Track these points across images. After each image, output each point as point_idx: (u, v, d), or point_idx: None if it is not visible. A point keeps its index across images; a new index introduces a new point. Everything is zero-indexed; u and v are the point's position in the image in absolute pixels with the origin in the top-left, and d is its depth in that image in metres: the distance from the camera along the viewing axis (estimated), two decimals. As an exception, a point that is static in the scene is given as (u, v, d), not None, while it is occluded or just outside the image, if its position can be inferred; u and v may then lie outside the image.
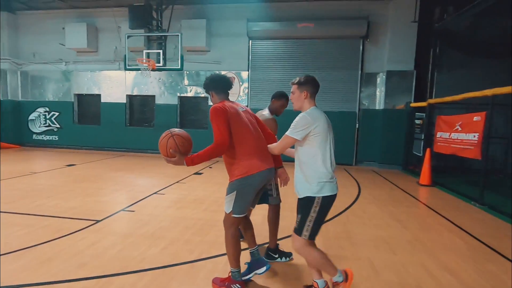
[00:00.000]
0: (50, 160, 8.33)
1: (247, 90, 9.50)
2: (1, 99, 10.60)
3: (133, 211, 4.11)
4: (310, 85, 2.08)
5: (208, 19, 9.26)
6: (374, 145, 8.89)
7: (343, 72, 8.88)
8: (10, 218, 3.65)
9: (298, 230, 1.99)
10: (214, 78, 2.29)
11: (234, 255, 2.23)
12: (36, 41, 10.68)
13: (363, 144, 9.05)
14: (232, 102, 2.26)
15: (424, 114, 7.51)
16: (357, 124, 9.00)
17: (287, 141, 2.03)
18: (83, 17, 10.17)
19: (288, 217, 3.93)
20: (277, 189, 2.81)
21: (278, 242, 2.88)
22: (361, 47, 8.77)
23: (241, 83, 9.52)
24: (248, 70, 9.42)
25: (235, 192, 2.09)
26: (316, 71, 8.96)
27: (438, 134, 6.45)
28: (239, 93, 9.56)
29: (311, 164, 1.97)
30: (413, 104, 8.13)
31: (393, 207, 4.70)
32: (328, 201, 1.96)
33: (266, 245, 2.90)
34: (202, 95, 9.83)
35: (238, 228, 2.25)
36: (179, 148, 2.05)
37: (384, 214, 4.32)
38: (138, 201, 4.55)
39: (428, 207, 4.86)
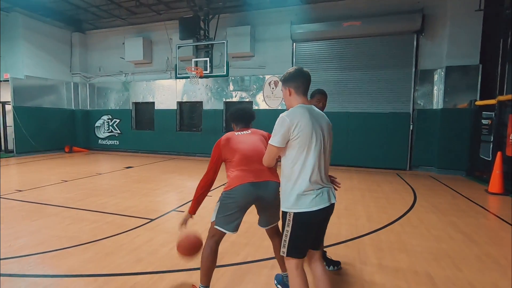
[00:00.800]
0: (112, 163, 9.23)
1: (291, 93, 9.42)
2: (74, 108, 12.12)
3: (183, 211, 4.33)
4: (293, 80, 1.83)
5: (252, 25, 9.45)
6: (432, 148, 8.12)
7: (395, 70, 8.31)
8: (80, 214, 4.11)
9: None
10: (232, 112, 2.40)
11: (205, 270, 2.08)
12: (101, 56, 12.01)
13: (419, 147, 8.32)
14: (241, 129, 2.30)
15: (493, 113, 6.64)
16: (411, 126, 8.32)
17: (270, 150, 1.80)
18: (140, 32, 11.16)
19: (336, 224, 3.78)
20: None
21: (325, 249, 2.78)
22: (415, 43, 8.11)
23: (285, 87, 9.49)
24: (292, 73, 9.35)
25: (218, 204, 2.07)
26: (364, 70, 8.56)
27: (512, 136, 5.64)
28: (283, 97, 9.53)
29: (288, 173, 1.75)
30: (479, 102, 7.25)
31: (456, 217, 4.21)
32: (306, 217, 1.70)
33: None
34: (247, 100, 10.02)
35: (218, 243, 2.11)
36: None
37: (445, 225, 3.90)
38: (187, 202, 4.79)
39: (501, 218, 4.26)
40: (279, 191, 1.95)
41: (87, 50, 12.21)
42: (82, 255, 2.87)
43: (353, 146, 8.77)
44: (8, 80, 9.86)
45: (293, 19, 9.05)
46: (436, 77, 8.08)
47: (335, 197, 1.81)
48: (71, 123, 12.03)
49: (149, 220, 3.88)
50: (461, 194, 5.64)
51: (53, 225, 3.67)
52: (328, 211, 1.79)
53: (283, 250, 1.76)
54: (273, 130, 1.74)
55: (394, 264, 2.78)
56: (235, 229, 2.05)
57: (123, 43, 11.08)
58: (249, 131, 2.29)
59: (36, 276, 2.45)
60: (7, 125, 10.63)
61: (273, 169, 2.10)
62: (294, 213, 1.70)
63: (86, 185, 5.90)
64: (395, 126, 8.37)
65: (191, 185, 6.27)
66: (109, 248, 3.01)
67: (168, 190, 5.71)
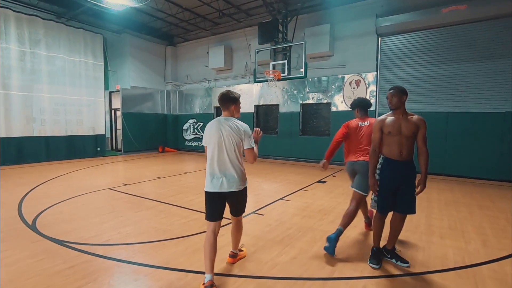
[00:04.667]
0: (197, 163, 10.06)
1: (375, 92, 8.62)
2: (166, 113, 13.73)
3: (262, 214, 4.33)
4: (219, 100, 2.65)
5: (332, 23, 9.03)
6: None
7: (508, 60, 6.74)
8: (172, 209, 4.52)
9: None
10: (356, 100, 3.49)
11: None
12: (188, 65, 13.31)
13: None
14: (363, 118, 3.37)
15: None
16: (535, 128, 6.59)
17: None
18: (221, 40, 11.93)
19: (439, 245, 3.19)
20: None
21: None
22: (545, 23, 6.43)
23: (367, 86, 8.75)
24: (376, 71, 8.56)
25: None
26: (469, 63, 7.24)
27: None
28: (365, 97, 8.79)
29: None
30: None
31: None
32: (207, 195, 2.46)
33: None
34: (325, 101, 9.61)
35: None
36: None
37: None
38: (266, 205, 4.78)
39: None
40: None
41: (177, 61, 13.71)
42: (174, 248, 3.11)
43: (453, 152, 7.46)
44: (118, 91, 11.79)
45: (378, 11, 8.28)
46: None
47: (230, 187, 2.42)
48: (164, 126, 13.67)
49: (230, 222, 3.98)
50: None
51: (151, 217, 4.12)
52: (223, 196, 2.44)
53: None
54: None
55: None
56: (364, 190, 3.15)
57: (207, 52, 12.02)
58: (368, 123, 3.29)
59: (138, 264, 2.74)
60: (117, 128, 12.72)
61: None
62: (204, 190, 2.48)
63: (176, 182, 6.53)
64: (494, 128, 6.79)
65: (268, 187, 6.29)
66: (197, 245, 3.18)
67: (246, 192, 5.82)
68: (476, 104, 7.19)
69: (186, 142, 13.62)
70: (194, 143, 13.28)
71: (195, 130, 13.21)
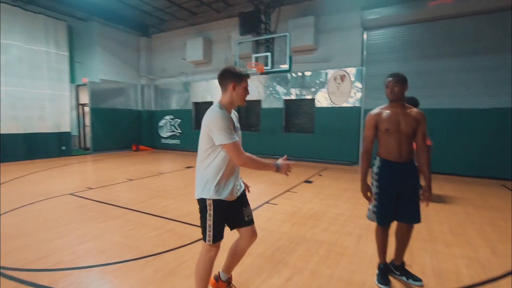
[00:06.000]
0: (173, 162, 9.36)
1: (360, 88, 8.35)
2: (140, 109, 12.82)
3: (247, 222, 3.83)
4: None
5: (316, 15, 8.64)
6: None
7: (503, 55, 6.65)
8: (142, 218, 3.91)
9: None
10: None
11: None
12: (164, 58, 12.46)
13: (533, 152, 6.55)
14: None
15: None
16: (521, 125, 6.59)
17: None
18: (200, 32, 11.22)
19: (447, 255, 2.85)
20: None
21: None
22: (529, 19, 6.39)
23: (352, 81, 8.47)
24: (362, 66, 8.29)
25: None
26: (455, 58, 7.12)
27: None
28: (350, 93, 8.52)
29: None
30: None
31: None
32: None
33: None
34: (309, 97, 9.24)
35: None
36: None
37: None
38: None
39: None
40: None
41: (152, 53, 12.81)
42: (142, 271, 2.54)
43: (439, 148, 7.33)
44: (86, 84, 10.77)
45: (363, 4, 7.99)
46: (561, 61, 6.23)
47: None
48: (138, 123, 12.76)
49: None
50: None
51: (116, 229, 3.49)
52: None
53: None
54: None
55: None
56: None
57: (185, 44, 11.28)
58: None
59: (93, 298, 2.15)
60: (86, 125, 11.68)
61: None
62: None
63: (149, 185, 5.87)
64: (499, 125, 6.74)
65: (252, 189, 5.76)
66: (170, 265, 2.63)
67: (228, 195, 5.29)
68: (461, 100, 7.10)
69: (162, 140, 12.81)
70: (171, 141, 12.51)
71: (172, 127, 12.43)
